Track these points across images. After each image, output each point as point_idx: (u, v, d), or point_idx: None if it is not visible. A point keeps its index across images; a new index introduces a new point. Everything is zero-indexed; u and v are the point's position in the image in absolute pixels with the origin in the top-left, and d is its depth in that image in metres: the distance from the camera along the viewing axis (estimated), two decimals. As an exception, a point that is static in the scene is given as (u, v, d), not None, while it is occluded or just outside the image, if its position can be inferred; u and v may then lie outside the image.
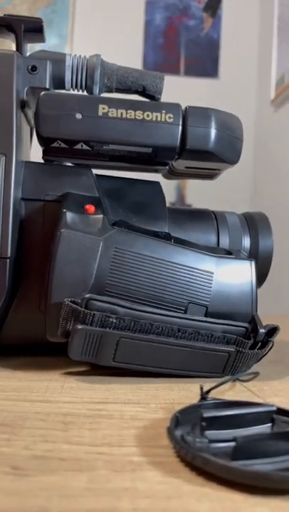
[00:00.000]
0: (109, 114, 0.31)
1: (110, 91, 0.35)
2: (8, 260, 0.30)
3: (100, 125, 0.31)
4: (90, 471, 0.17)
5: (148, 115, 0.31)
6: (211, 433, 0.20)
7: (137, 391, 0.27)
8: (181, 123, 0.32)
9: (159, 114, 0.31)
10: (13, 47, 0.34)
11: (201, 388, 0.23)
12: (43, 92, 0.31)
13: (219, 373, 0.31)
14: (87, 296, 0.28)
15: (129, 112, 0.31)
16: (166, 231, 0.35)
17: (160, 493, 0.16)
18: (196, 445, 0.18)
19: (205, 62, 1.97)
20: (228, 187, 1.71)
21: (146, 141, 0.32)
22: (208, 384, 0.25)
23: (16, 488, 0.16)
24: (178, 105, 0.32)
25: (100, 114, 0.31)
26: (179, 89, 1.95)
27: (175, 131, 0.32)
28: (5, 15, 0.34)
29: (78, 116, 0.31)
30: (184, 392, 0.27)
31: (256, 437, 0.18)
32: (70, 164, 0.35)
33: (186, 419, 0.21)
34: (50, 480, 0.16)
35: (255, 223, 0.38)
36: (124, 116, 0.31)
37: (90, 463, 0.18)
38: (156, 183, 0.37)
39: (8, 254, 0.30)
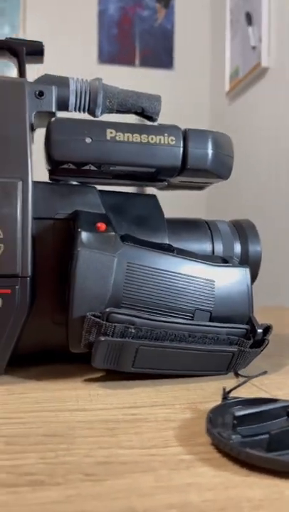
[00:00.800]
0: (117, 138, 0.33)
1: (111, 112, 0.37)
2: (28, 279, 0.31)
3: (108, 148, 0.33)
4: (151, 472, 0.20)
5: (152, 138, 0.34)
6: (241, 429, 0.23)
7: (158, 393, 0.30)
8: (182, 145, 0.34)
9: (162, 137, 0.34)
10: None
11: (224, 389, 0.27)
12: (53, 118, 0.33)
13: (224, 371, 0.34)
14: (108, 310, 0.31)
15: (134, 135, 0.33)
16: (167, 242, 0.37)
17: (219, 486, 0.19)
18: (234, 441, 0.22)
19: (160, 53, 1.99)
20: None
21: (150, 162, 0.34)
22: (218, 382, 0.28)
23: (97, 492, 0.18)
24: (178, 128, 0.35)
25: (108, 138, 0.33)
26: (135, 81, 1.96)
27: (177, 153, 0.34)
28: (7, 38, 0.35)
29: (88, 140, 0.33)
30: (200, 392, 0.31)
31: (286, 430, 0.22)
32: (75, 183, 0.37)
33: (217, 418, 0.24)
34: (122, 482, 0.19)
35: (244, 230, 0.41)
36: (130, 139, 0.33)
37: (148, 464, 0.21)
38: (154, 196, 0.40)
39: (29, 274, 0.31)
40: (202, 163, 0.35)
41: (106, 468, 0.20)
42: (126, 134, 0.33)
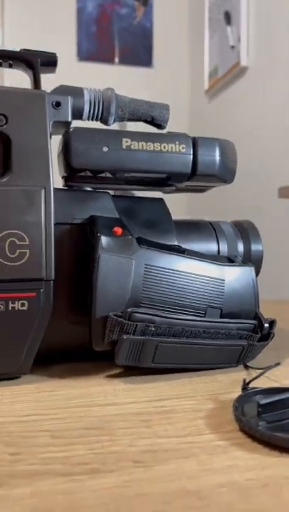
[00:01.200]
0: (132, 147, 0.35)
1: (122, 121, 0.38)
2: (51, 282, 0.33)
3: (123, 156, 0.35)
4: (193, 457, 0.22)
5: (164, 146, 0.36)
6: (265, 416, 0.25)
7: (178, 386, 0.32)
8: (192, 152, 0.36)
9: (173, 145, 0.36)
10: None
11: (244, 380, 0.29)
12: (72, 128, 0.34)
13: (234, 364, 0.37)
14: (130, 309, 0.33)
15: (148, 144, 0.35)
16: (176, 243, 0.40)
17: (256, 466, 0.21)
18: (262, 427, 0.24)
19: (139, 51, 2.00)
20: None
21: (163, 168, 0.36)
22: (231, 374, 0.30)
23: (149, 477, 0.20)
24: (188, 136, 0.37)
25: (124, 146, 0.35)
26: (115, 79, 1.97)
27: (187, 160, 0.36)
28: (21, 50, 0.36)
29: (105, 149, 0.34)
30: (216, 384, 0.33)
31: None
32: (89, 189, 0.38)
33: (242, 406, 0.26)
34: (169, 467, 0.21)
35: (246, 230, 0.44)
36: (144, 148, 0.35)
37: (188, 451, 0.23)
38: (161, 200, 0.42)
39: (52, 277, 0.33)
40: (211, 169, 0.37)
41: (151, 455, 0.22)
42: (140, 143, 0.35)
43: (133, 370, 0.35)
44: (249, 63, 1.49)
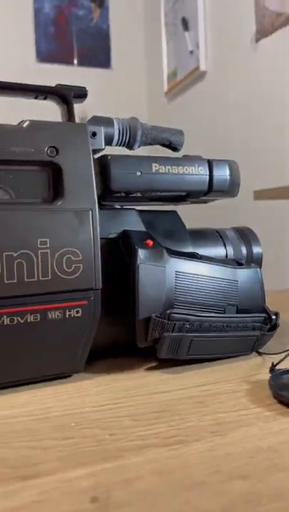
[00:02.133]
0: (160, 170, 0.40)
1: (144, 145, 0.44)
2: (99, 290, 0.38)
3: (153, 179, 0.40)
4: (253, 425, 0.28)
5: (186, 169, 0.41)
6: (296, 391, 0.32)
7: (211, 373, 0.38)
8: (208, 173, 0.43)
9: (193, 168, 0.42)
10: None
11: (272, 363, 0.36)
12: (110, 156, 0.39)
13: (249, 351, 0.43)
14: (168, 311, 0.38)
15: (173, 167, 0.41)
16: (192, 251, 0.45)
17: (304, 427, 0.28)
18: (298, 399, 0.31)
19: (97, 52, 2.03)
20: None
21: (185, 188, 0.42)
22: (249, 360, 0.37)
23: (228, 441, 0.26)
24: (204, 159, 0.43)
25: (154, 171, 0.40)
26: (75, 80, 1.99)
27: (205, 180, 0.42)
28: (57, 85, 0.41)
29: (138, 173, 0.39)
30: (241, 369, 0.39)
31: None
32: (118, 206, 0.43)
33: (276, 384, 0.33)
34: (240, 434, 0.27)
35: (246, 235, 0.50)
36: (170, 171, 0.41)
37: (247, 421, 0.29)
38: (175, 212, 0.47)
39: (100, 286, 0.38)
40: (223, 187, 0.43)
41: (221, 426, 0.28)
42: (166, 167, 0.41)
43: (167, 363, 0.41)
44: (208, 68, 1.57)
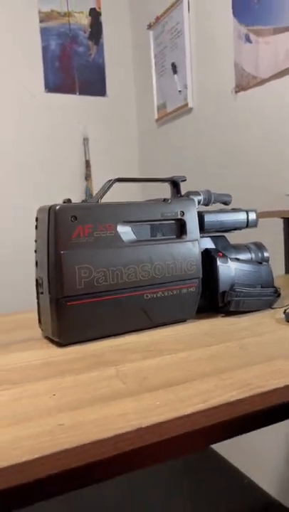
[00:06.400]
0: (224, 218, 0.81)
1: (212, 204, 0.84)
2: (200, 278, 0.78)
3: (221, 223, 0.81)
4: (280, 330, 0.70)
5: (235, 216, 0.83)
6: (297, 318, 0.74)
7: (254, 317, 0.80)
8: (246, 218, 0.84)
9: (240, 214, 0.83)
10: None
11: (285, 310, 0.78)
12: (203, 212, 0.79)
13: (268, 307, 0.85)
14: (234, 287, 0.79)
15: (230, 216, 0.82)
16: (236, 256, 0.87)
17: (303, 328, 0.70)
18: (298, 320, 0.73)
19: (95, 83, 2.40)
20: (118, 196, 2.24)
21: (234, 227, 0.83)
22: (269, 312, 0.79)
23: (268, 338, 0.68)
24: (244, 210, 0.84)
25: (222, 219, 0.81)
26: (76, 107, 2.35)
27: (244, 222, 0.84)
28: (173, 176, 0.80)
29: (216, 220, 0.80)
30: (269, 314, 0.81)
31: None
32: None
33: (286, 316, 0.75)
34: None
35: (259, 246, 0.92)
36: (229, 218, 0.82)
37: (277, 331, 0.71)
38: (224, 236, 0.88)
39: (201, 276, 0.78)
40: (252, 224, 0.85)
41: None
42: (227, 216, 0.82)
43: (231, 313, 0.82)
44: (194, 105, 1.98)
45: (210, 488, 1.95)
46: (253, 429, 0.52)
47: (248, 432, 0.52)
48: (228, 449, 2.07)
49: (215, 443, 0.49)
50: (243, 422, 0.50)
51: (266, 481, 1.85)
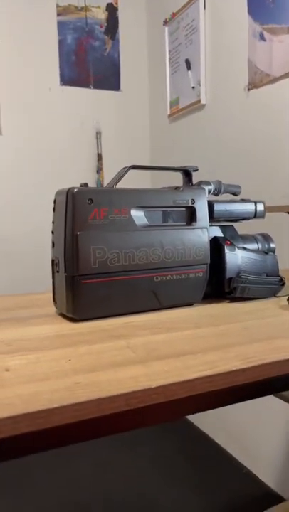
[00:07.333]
0: (233, 208, 0.85)
1: (222, 194, 0.87)
2: (208, 264, 0.82)
3: (231, 213, 0.85)
4: (284, 316, 0.73)
5: (246, 205, 0.86)
6: (300, 305, 0.78)
7: (264, 304, 0.83)
8: (254, 208, 0.87)
9: (249, 204, 0.86)
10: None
11: (288, 297, 0.81)
12: (213, 201, 0.83)
13: (272, 295, 0.88)
14: (240, 274, 0.83)
15: (239, 206, 0.85)
16: (243, 246, 0.90)
17: (305, 314, 0.73)
18: (301, 306, 0.76)
19: (109, 77, 2.43)
20: (129, 185, 2.27)
21: (243, 217, 0.87)
22: (273, 299, 0.82)
23: (271, 320, 0.71)
24: (253, 201, 0.87)
25: (231, 209, 0.84)
26: (91, 100, 2.39)
27: (252, 212, 0.87)
28: (184, 166, 0.84)
29: (225, 210, 0.84)
30: (273, 301, 0.84)
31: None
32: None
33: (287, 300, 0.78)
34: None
35: (266, 237, 0.95)
36: (237, 208, 0.85)
37: (281, 315, 0.74)
38: (232, 226, 0.92)
39: (209, 262, 0.82)
40: (260, 215, 0.88)
41: (268, 318, 0.73)
42: (236, 206, 0.85)
43: (237, 300, 0.85)
44: (207, 102, 2.01)
45: (208, 477, 1.99)
46: (252, 398, 0.56)
47: (247, 400, 0.56)
48: (227, 439, 2.10)
49: (217, 407, 0.53)
50: (243, 391, 0.54)
51: (264, 472, 1.89)
